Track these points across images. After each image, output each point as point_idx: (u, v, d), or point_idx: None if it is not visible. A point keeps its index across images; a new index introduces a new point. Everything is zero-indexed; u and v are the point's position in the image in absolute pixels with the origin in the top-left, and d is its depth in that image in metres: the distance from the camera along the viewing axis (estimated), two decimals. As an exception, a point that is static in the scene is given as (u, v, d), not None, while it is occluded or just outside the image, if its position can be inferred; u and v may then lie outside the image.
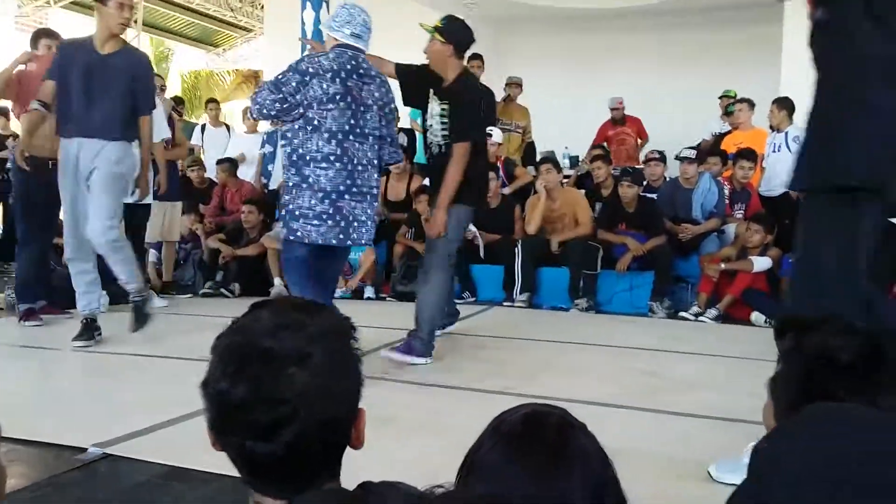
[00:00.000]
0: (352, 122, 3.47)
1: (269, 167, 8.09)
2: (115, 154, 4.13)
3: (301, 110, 3.42)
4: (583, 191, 7.00)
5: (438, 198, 3.79)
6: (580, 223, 6.21)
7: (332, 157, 3.43)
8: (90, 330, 4.17)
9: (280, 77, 3.43)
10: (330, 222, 3.48)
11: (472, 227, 6.39)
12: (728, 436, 2.56)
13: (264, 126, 8.67)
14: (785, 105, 6.60)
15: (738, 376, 3.56)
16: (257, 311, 0.96)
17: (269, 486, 0.94)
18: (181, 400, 2.60)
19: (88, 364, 3.87)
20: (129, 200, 4.59)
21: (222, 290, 6.48)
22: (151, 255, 6.57)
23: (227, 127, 8.73)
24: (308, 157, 3.44)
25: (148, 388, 3.30)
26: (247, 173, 7.89)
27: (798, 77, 7.64)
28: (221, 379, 0.90)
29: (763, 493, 0.71)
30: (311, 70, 3.39)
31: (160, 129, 5.68)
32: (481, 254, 6.36)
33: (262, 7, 13.67)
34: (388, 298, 6.43)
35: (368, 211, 3.61)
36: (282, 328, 0.92)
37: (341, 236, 3.52)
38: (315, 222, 3.46)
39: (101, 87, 4.11)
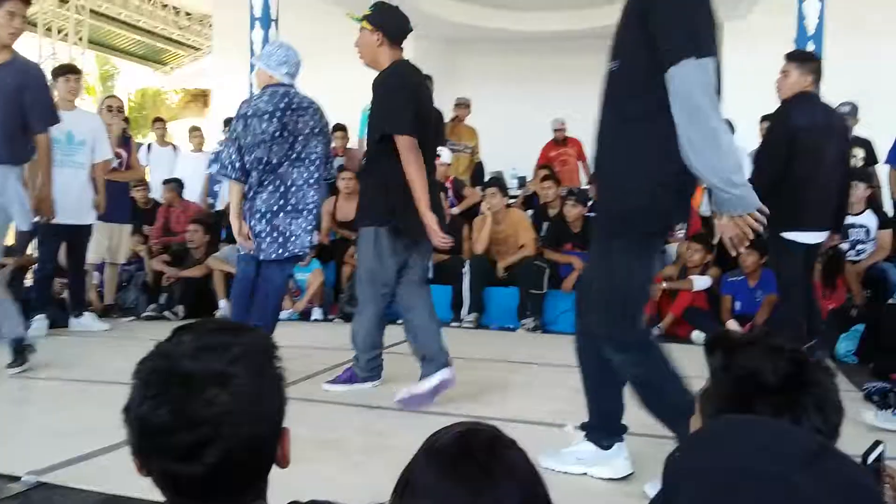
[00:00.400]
0: (289, 152, 3.84)
1: (216, 187, 8.02)
2: None
3: (255, 152, 3.78)
4: (530, 211, 7.09)
5: (417, 204, 3.27)
6: (523, 245, 6.28)
7: (265, 182, 3.84)
8: (22, 354, 3.96)
9: (229, 133, 3.91)
10: (269, 239, 3.89)
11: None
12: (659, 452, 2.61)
13: (211, 146, 8.61)
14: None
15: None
16: (180, 334, 0.97)
17: None
18: (119, 425, 2.55)
19: (24, 390, 3.76)
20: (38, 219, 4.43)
21: (166, 312, 6.37)
22: (94, 276, 6.44)
23: (174, 146, 8.62)
24: (255, 188, 3.86)
25: (85, 414, 3.22)
26: (192, 194, 7.79)
27: (736, 100, 7.95)
28: (142, 403, 0.91)
29: (674, 500, 0.74)
30: (249, 112, 3.81)
31: (103, 150, 5.59)
32: (429, 274, 6.38)
33: (211, 26, 13.58)
34: (335, 320, 6.39)
35: (303, 225, 3.94)
36: (203, 350, 0.93)
37: (280, 251, 3.91)
38: (256, 240, 3.87)
39: None
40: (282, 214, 3.88)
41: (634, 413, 3.29)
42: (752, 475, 0.70)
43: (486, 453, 0.86)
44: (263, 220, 3.87)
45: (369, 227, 3.42)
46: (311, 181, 3.94)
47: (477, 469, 0.84)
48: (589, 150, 8.79)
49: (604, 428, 2.46)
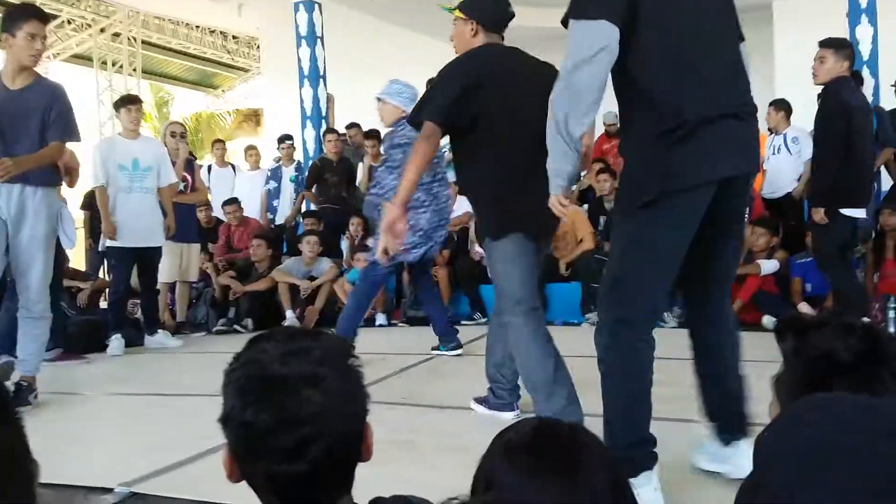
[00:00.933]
0: (433, 174, 4.34)
1: (275, 203, 8.18)
2: (45, 209, 3.71)
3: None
4: (586, 205, 7.03)
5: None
6: (582, 240, 6.25)
7: (426, 203, 4.35)
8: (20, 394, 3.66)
9: (385, 158, 4.44)
10: (420, 249, 4.46)
11: (478, 248, 6.43)
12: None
13: (267, 163, 8.79)
14: (782, 107, 6.65)
15: (751, 381, 3.56)
16: (258, 343, 1.01)
17: None
18: (203, 435, 2.61)
19: (108, 406, 3.90)
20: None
21: (235, 326, 6.52)
22: (167, 295, 6.64)
23: (233, 166, 8.83)
24: (418, 208, 4.29)
25: (169, 426, 3.33)
26: (251, 210, 7.96)
27: (791, 79, 7.74)
28: (244, 409, 0.95)
29: (765, 480, 0.74)
30: (404, 142, 4.25)
31: (168, 175, 5.75)
32: (489, 273, 6.39)
33: (259, 47, 13.86)
34: (399, 324, 6.45)
35: (443, 234, 4.67)
36: (289, 355, 0.97)
37: (427, 252, 4.55)
38: (412, 249, 4.41)
39: (15, 127, 3.70)
40: (438, 227, 4.50)
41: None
42: (843, 449, 0.70)
43: (570, 444, 0.86)
44: (422, 233, 4.41)
45: (493, 240, 2.94)
46: (448, 197, 4.60)
47: (566, 462, 0.84)
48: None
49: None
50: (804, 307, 5.30)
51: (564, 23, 2.02)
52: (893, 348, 1.16)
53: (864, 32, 6.78)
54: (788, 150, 6.47)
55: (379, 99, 4.47)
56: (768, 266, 5.57)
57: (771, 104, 6.72)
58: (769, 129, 6.79)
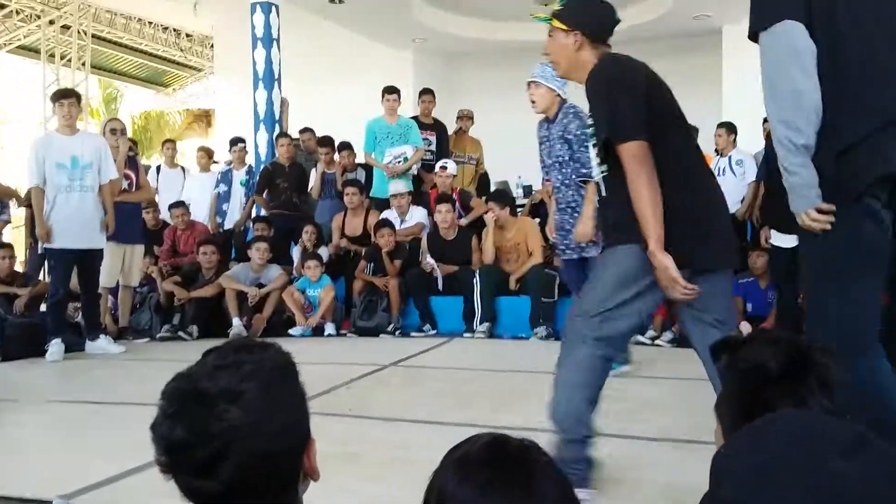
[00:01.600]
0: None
1: (224, 206, 8.05)
2: None
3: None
4: (537, 219, 7.11)
5: (647, 240, 2.27)
6: (532, 253, 6.31)
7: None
8: None
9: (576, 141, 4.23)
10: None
11: (429, 259, 6.46)
12: (688, 457, 2.62)
13: (217, 166, 8.66)
14: (732, 129, 6.82)
15: (695, 398, 3.64)
16: (207, 355, 1.02)
17: None
18: (142, 447, 2.55)
19: (46, 413, 3.79)
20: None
21: (180, 333, 6.39)
22: (108, 299, 6.47)
23: (182, 168, 8.67)
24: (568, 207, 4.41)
25: (108, 436, 3.25)
26: (201, 214, 7.83)
27: (739, 103, 7.95)
28: (163, 421, 0.96)
29: (719, 493, 0.79)
30: (578, 134, 4.19)
31: (109, 171, 5.58)
32: (440, 286, 6.41)
33: (212, 46, 13.67)
34: (348, 334, 6.42)
35: (571, 221, 4.38)
36: (219, 369, 0.97)
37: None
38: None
39: None
40: (558, 213, 4.52)
41: (654, 418, 3.28)
42: (791, 465, 0.74)
43: (522, 462, 0.87)
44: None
45: (627, 243, 2.35)
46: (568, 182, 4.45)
47: (519, 478, 0.85)
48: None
49: None
50: (744, 326, 5.43)
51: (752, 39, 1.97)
52: (818, 357, 1.23)
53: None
54: (733, 171, 6.64)
55: (532, 82, 4.19)
56: (712, 285, 5.71)
57: (722, 126, 6.89)
58: (715, 151, 6.97)
